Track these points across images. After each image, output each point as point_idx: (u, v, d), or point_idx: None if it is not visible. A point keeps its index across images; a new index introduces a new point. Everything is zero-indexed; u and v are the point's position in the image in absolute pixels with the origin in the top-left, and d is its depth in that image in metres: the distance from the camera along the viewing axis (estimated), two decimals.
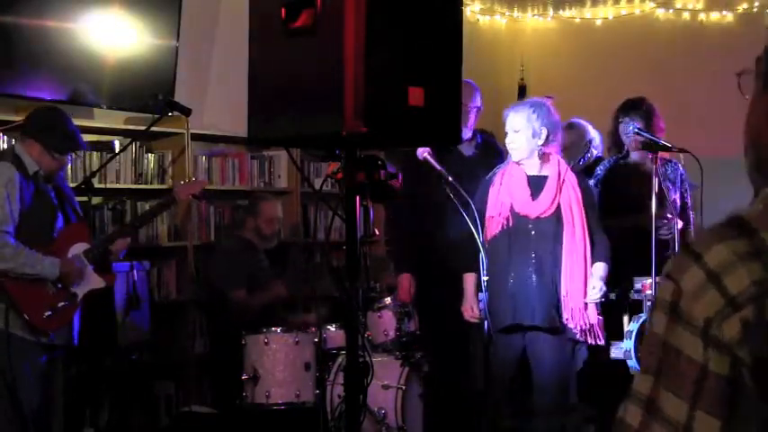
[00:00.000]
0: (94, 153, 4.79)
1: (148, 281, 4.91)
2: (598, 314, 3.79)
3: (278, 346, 4.22)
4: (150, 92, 4.68)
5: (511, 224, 3.74)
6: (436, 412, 4.21)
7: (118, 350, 4.52)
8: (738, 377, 1.00)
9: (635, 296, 3.99)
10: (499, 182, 3.84)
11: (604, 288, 3.76)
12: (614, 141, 4.44)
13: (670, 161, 4.38)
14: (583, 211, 3.80)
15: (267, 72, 2.30)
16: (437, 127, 2.32)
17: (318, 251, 5.96)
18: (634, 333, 3.83)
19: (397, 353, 4.30)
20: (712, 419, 1.00)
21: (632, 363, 3.82)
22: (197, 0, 5.34)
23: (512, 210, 3.77)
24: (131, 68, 4.82)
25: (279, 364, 4.20)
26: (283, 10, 2.20)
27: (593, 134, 5.14)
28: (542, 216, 3.76)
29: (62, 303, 3.66)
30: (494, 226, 3.78)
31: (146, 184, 5.10)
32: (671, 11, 6.98)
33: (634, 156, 4.36)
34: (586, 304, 3.75)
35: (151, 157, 5.16)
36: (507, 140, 3.80)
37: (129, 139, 4.65)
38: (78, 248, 3.77)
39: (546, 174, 3.83)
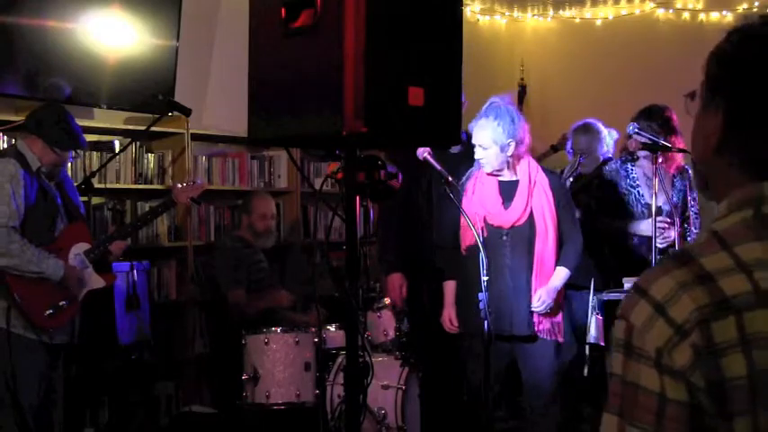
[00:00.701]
0: (94, 153, 4.79)
1: (148, 281, 4.91)
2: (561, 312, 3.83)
3: (278, 346, 4.22)
4: (150, 92, 4.69)
5: (485, 235, 3.73)
6: (432, 412, 4.21)
7: (118, 350, 4.52)
8: (696, 401, 1.02)
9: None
10: (471, 191, 3.83)
11: (549, 301, 3.74)
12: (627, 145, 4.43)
13: (686, 172, 4.35)
14: (555, 214, 3.80)
15: (267, 72, 2.30)
16: (437, 127, 2.31)
17: (318, 251, 5.96)
18: None
19: (397, 353, 4.30)
20: None
21: None
22: (197, 0, 5.34)
23: (485, 221, 3.76)
24: (131, 68, 4.82)
25: (279, 364, 4.20)
26: (283, 10, 2.20)
27: (607, 134, 5.12)
28: (516, 225, 3.76)
29: (63, 302, 3.67)
30: (468, 237, 3.78)
31: (146, 184, 5.10)
32: (671, 11, 6.99)
33: (643, 161, 4.33)
34: (550, 313, 3.76)
35: (151, 157, 5.16)
36: (477, 155, 3.80)
37: (129, 139, 4.65)
38: (79, 248, 3.77)
39: (517, 179, 3.82)
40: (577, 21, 7.47)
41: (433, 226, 4.13)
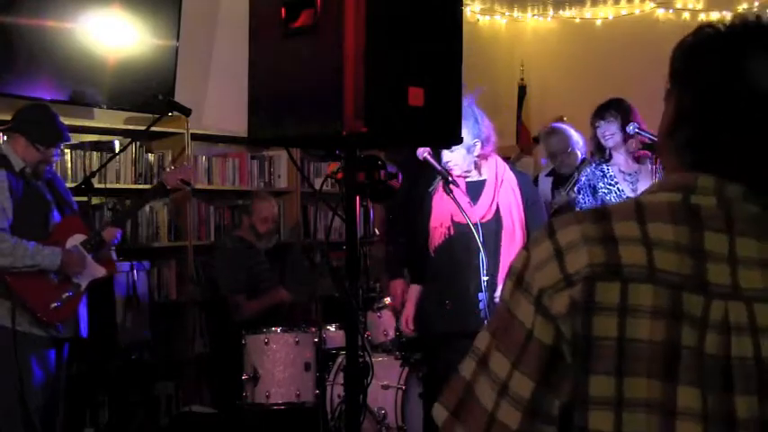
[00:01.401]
0: (94, 153, 4.79)
1: (148, 281, 4.91)
2: None
3: (278, 346, 4.22)
4: (150, 92, 4.69)
5: (452, 233, 3.74)
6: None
7: (118, 350, 4.53)
8: (557, 348, 1.08)
9: None
10: (440, 191, 3.85)
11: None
12: (596, 146, 4.45)
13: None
14: (522, 212, 3.81)
15: (267, 72, 2.30)
16: (437, 127, 2.31)
17: (318, 251, 5.96)
18: None
19: (397, 353, 4.30)
20: (527, 380, 1.09)
21: None
22: (197, 0, 5.34)
23: (452, 219, 3.77)
24: (131, 68, 4.82)
25: (279, 364, 4.20)
26: (283, 10, 2.20)
27: (577, 138, 5.17)
28: (482, 221, 3.77)
29: (67, 294, 3.68)
30: (437, 237, 3.80)
31: (146, 184, 5.10)
32: (671, 11, 6.99)
33: (616, 158, 4.35)
34: None
35: (151, 157, 5.16)
36: (444, 158, 3.80)
37: (129, 139, 4.65)
38: (75, 240, 3.78)
39: (484, 178, 3.85)
40: (577, 21, 7.47)
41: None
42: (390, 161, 3.34)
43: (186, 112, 4.54)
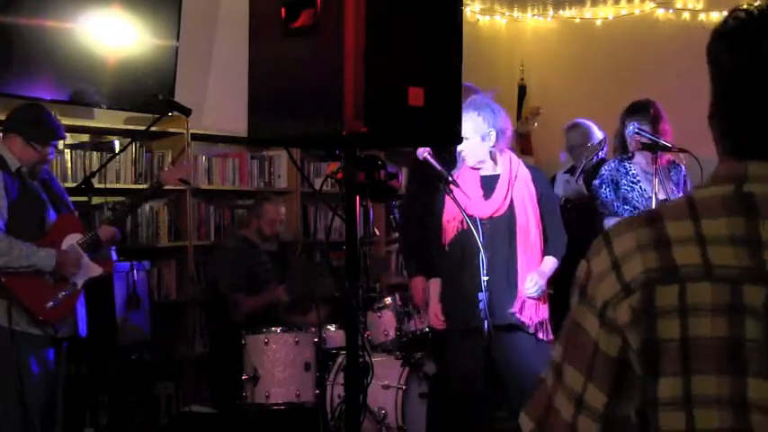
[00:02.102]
0: (94, 153, 4.79)
1: (148, 281, 4.91)
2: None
3: (278, 346, 4.22)
4: (150, 92, 4.68)
5: (465, 227, 3.73)
6: (437, 412, 4.20)
7: (118, 350, 4.52)
8: (625, 358, 1.10)
9: None
10: (453, 187, 3.84)
11: (542, 283, 3.73)
12: (620, 143, 4.44)
13: (676, 165, 4.38)
14: (537, 207, 3.80)
15: (267, 72, 2.30)
16: (437, 127, 2.31)
17: (318, 251, 5.96)
18: None
19: (398, 353, 4.30)
20: (600, 393, 1.11)
21: None
22: (197, 0, 5.34)
23: (465, 213, 3.76)
24: (131, 68, 4.82)
25: (279, 364, 4.20)
26: (283, 10, 2.20)
27: (599, 134, 5.15)
28: (495, 215, 3.76)
29: (63, 293, 3.68)
30: (450, 231, 3.79)
31: (145, 184, 5.09)
32: (671, 11, 6.98)
33: (638, 157, 4.35)
34: (539, 299, 3.74)
35: (151, 157, 5.16)
36: (459, 147, 3.80)
37: (129, 139, 4.64)
38: (72, 239, 3.77)
39: (499, 172, 3.83)
40: (577, 21, 7.46)
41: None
42: (391, 161, 3.34)
43: (186, 112, 4.54)
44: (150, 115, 4.49)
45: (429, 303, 4.00)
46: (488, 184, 3.82)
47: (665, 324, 1.07)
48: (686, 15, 6.90)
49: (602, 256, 1.13)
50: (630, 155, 4.37)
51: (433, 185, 3.94)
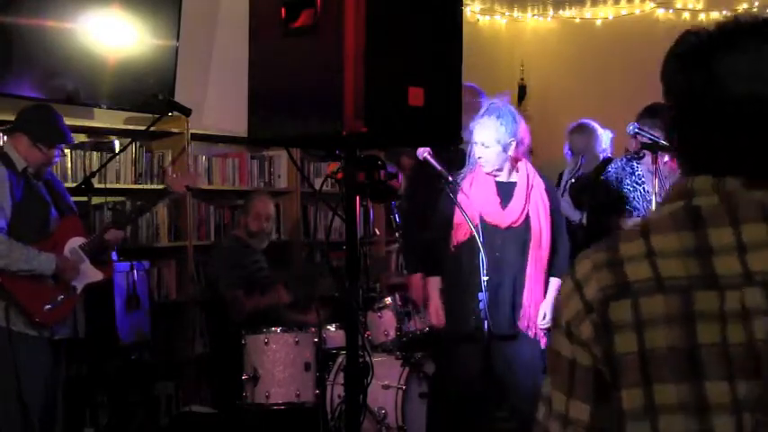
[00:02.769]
0: (94, 153, 4.79)
1: (148, 281, 4.91)
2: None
3: (278, 346, 4.22)
4: (150, 92, 4.68)
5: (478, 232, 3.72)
6: (437, 412, 4.20)
7: (118, 350, 4.52)
8: (598, 368, 1.15)
9: None
10: (468, 189, 3.81)
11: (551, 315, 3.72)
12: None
13: None
14: (549, 219, 3.79)
15: (267, 72, 2.30)
16: (437, 127, 2.31)
17: (318, 251, 5.96)
18: None
19: (397, 353, 4.30)
20: (582, 405, 1.16)
21: None
22: (197, 0, 5.34)
23: (481, 219, 3.74)
24: (131, 68, 4.82)
25: (279, 364, 4.20)
26: (283, 10, 2.20)
27: (602, 134, 5.14)
28: (513, 226, 3.75)
29: (61, 297, 3.67)
30: (461, 233, 3.76)
31: (145, 183, 5.10)
32: (671, 11, 6.99)
33: (647, 158, 4.33)
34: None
35: (151, 157, 5.16)
36: (477, 153, 3.78)
37: (129, 139, 4.64)
38: (74, 242, 3.77)
39: (514, 180, 3.81)
40: (577, 21, 7.47)
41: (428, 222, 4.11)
42: (391, 161, 3.35)
43: (186, 112, 4.54)
44: (150, 115, 4.48)
45: (429, 301, 3.99)
46: (505, 191, 3.79)
47: (621, 338, 1.11)
48: (686, 15, 6.91)
49: (566, 282, 1.19)
50: (641, 155, 4.34)
51: (432, 185, 3.93)
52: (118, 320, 4.50)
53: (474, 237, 3.66)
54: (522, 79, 7.54)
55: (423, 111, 2.22)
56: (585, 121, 5.23)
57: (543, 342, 3.74)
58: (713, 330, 1.07)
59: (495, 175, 3.82)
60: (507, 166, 3.80)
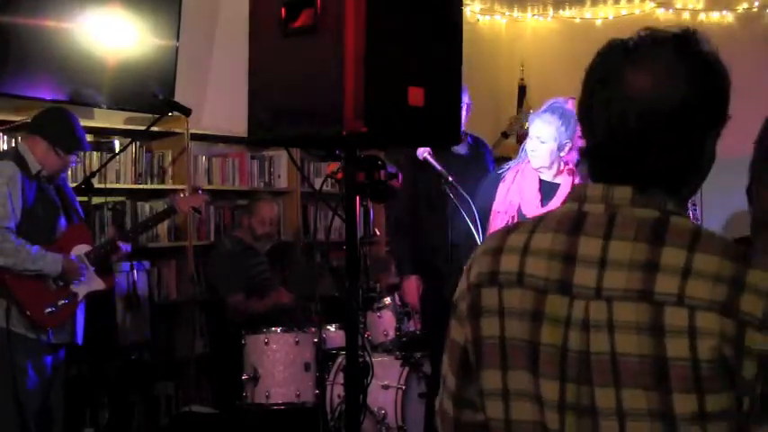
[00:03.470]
0: (94, 153, 4.79)
1: (148, 281, 4.91)
2: None
3: (278, 346, 4.22)
4: (150, 92, 4.68)
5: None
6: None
7: (118, 350, 4.52)
8: (466, 347, 1.24)
9: None
10: (511, 180, 3.81)
11: None
12: None
13: None
14: None
15: (267, 72, 2.30)
16: (437, 127, 2.31)
17: (318, 251, 5.96)
18: None
19: (397, 353, 4.30)
20: (453, 378, 1.27)
21: None
22: (197, 0, 5.34)
23: (519, 210, 3.74)
24: (131, 68, 4.82)
25: (279, 364, 4.20)
26: (283, 10, 2.20)
27: None
28: None
29: (63, 301, 3.67)
30: (498, 221, 3.75)
31: (145, 183, 5.10)
32: (671, 11, 6.98)
33: None
34: None
35: (151, 157, 5.16)
36: (529, 146, 3.77)
37: (129, 139, 4.65)
38: (80, 250, 3.78)
39: (559, 182, 3.80)
40: (577, 21, 7.46)
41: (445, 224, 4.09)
42: (391, 161, 3.34)
43: (186, 112, 4.54)
44: (150, 115, 4.49)
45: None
46: (547, 190, 3.78)
47: (487, 322, 1.21)
48: (686, 15, 6.90)
49: (466, 265, 1.29)
50: None
51: (427, 184, 3.93)
52: (118, 321, 4.50)
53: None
54: (522, 79, 7.53)
55: (423, 111, 2.21)
56: None
57: None
58: (555, 333, 1.14)
59: (540, 172, 3.80)
60: (555, 167, 3.78)
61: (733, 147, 1.66)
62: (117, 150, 4.78)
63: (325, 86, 2.12)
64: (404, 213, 4.44)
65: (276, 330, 4.27)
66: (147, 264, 4.89)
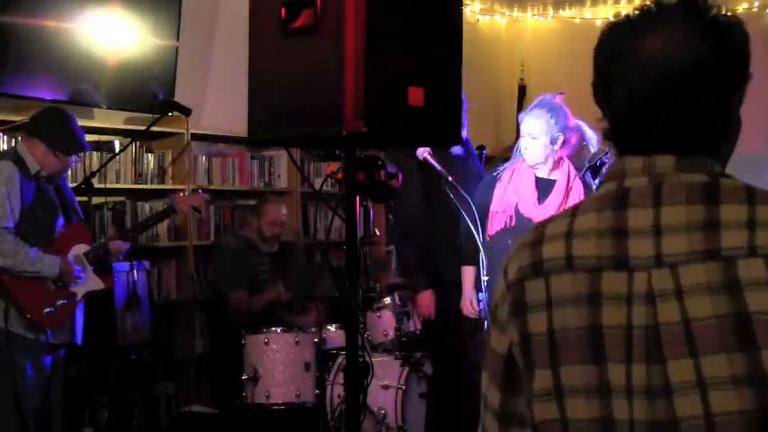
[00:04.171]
0: (94, 153, 4.79)
1: (148, 281, 4.91)
2: None
3: (278, 346, 4.22)
4: (150, 92, 4.68)
5: (513, 223, 3.70)
6: (438, 413, 4.20)
7: (118, 350, 4.52)
8: (512, 355, 1.16)
9: None
10: (507, 179, 3.80)
11: None
12: None
13: None
14: None
15: (267, 72, 2.30)
16: (437, 127, 2.31)
17: (318, 251, 5.96)
18: None
19: (397, 353, 4.30)
20: (496, 392, 1.19)
21: None
22: (197, 0, 5.34)
23: (516, 210, 3.74)
24: (131, 68, 4.82)
25: (279, 364, 4.20)
26: (283, 10, 2.20)
27: (591, 135, 5.14)
28: None
29: (61, 301, 3.67)
30: (496, 223, 3.75)
31: (146, 184, 5.10)
32: None
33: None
34: None
35: (151, 157, 5.16)
36: (522, 144, 3.77)
37: (129, 139, 4.64)
38: (79, 249, 3.77)
39: (555, 178, 3.80)
40: (577, 21, 7.47)
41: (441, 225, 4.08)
42: (391, 161, 3.34)
43: (186, 112, 4.54)
44: (150, 115, 4.49)
45: (463, 291, 3.96)
46: (543, 187, 3.78)
47: (534, 318, 1.12)
48: None
49: (500, 268, 1.21)
50: (598, 165, 4.35)
51: (428, 186, 3.92)
52: (118, 321, 4.50)
53: (506, 230, 3.65)
54: (522, 79, 7.53)
55: (423, 111, 2.21)
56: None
57: None
58: (618, 312, 1.06)
59: (535, 168, 3.80)
60: (550, 162, 3.77)
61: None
62: (117, 150, 4.78)
63: (325, 86, 2.12)
64: (412, 220, 4.40)
65: (276, 330, 4.26)
66: (147, 264, 4.89)
